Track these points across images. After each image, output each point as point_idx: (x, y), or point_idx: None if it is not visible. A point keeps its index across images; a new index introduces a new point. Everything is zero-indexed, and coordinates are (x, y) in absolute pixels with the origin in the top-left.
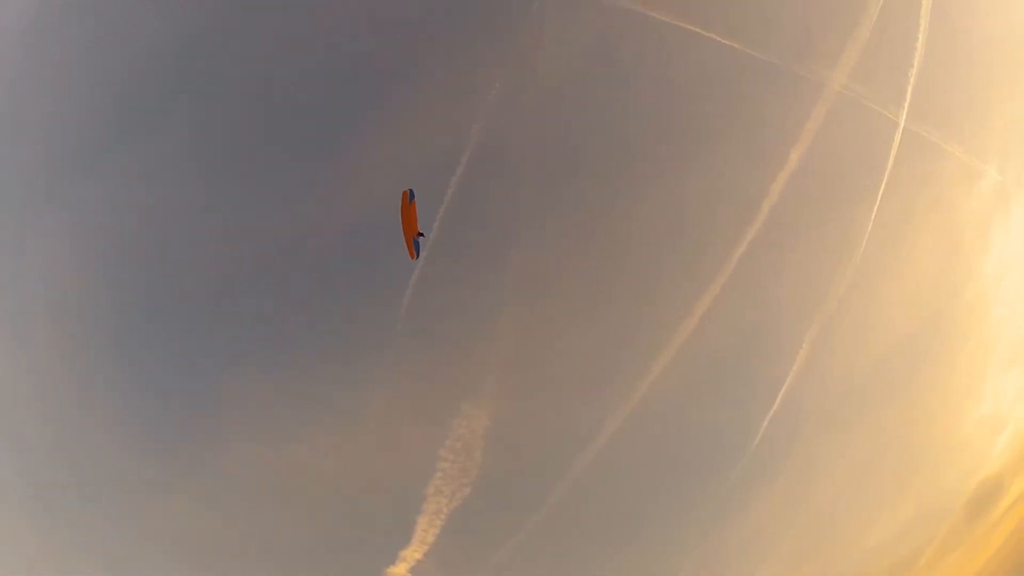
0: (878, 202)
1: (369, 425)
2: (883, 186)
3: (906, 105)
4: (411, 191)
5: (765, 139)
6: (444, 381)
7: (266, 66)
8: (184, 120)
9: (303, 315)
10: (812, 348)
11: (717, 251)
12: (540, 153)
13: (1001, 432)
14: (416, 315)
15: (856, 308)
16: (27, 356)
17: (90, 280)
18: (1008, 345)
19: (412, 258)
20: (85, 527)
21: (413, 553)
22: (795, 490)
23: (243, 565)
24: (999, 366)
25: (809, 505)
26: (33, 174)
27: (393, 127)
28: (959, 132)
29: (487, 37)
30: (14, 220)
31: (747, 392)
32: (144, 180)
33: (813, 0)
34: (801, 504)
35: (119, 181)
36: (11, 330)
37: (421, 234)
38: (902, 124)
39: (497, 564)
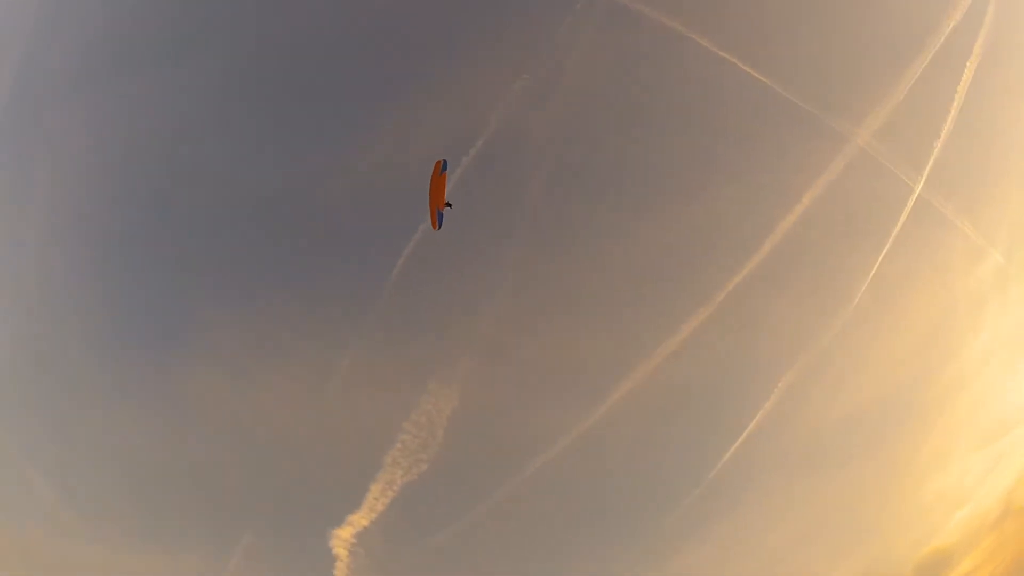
0: (879, 262)
1: (336, 384)
2: (887, 247)
3: (925, 173)
4: (444, 162)
5: (780, 178)
6: (419, 355)
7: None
8: (215, 52)
9: (293, 262)
10: (787, 391)
11: (711, 279)
12: (552, 152)
13: (960, 509)
14: (403, 286)
15: (838, 361)
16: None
17: (83, 193)
18: (982, 425)
19: (434, 228)
20: (34, 429)
21: (360, 519)
22: (745, 530)
23: (185, 497)
24: (970, 444)
25: (758, 548)
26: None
27: (417, 100)
28: (972, 210)
29: (523, 29)
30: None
31: (714, 421)
32: (156, 103)
33: (855, 54)
34: (750, 545)
35: (130, 99)
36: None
37: (449, 205)
38: (917, 191)
39: (439, 545)
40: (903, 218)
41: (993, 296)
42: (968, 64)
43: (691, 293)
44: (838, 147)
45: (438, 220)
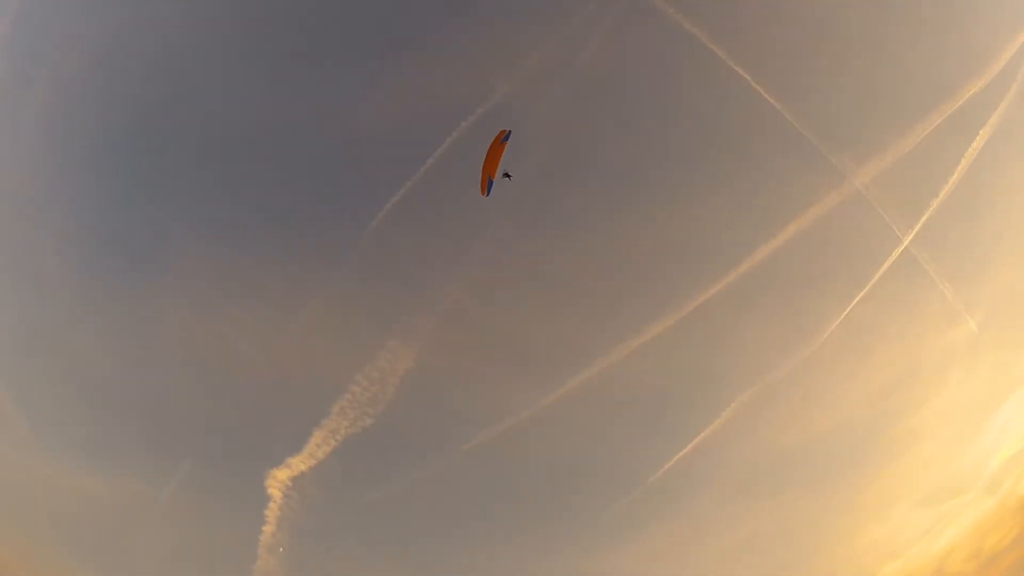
0: (853, 303)
1: (297, 326)
2: (865, 291)
3: (916, 228)
4: (509, 132)
5: (771, 201)
6: (383, 311)
7: None
8: None
9: (274, 201)
10: (738, 412)
11: (683, 286)
12: (550, 132)
13: (891, 562)
14: (380, 240)
15: (795, 392)
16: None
17: (72, 114)
18: (928, 485)
19: (483, 194)
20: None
21: (300, 463)
22: (673, 540)
23: (133, 419)
24: (912, 500)
25: (682, 560)
26: None
27: (427, 55)
28: (956, 275)
29: (548, 4)
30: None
31: (663, 428)
32: (150, 24)
33: (872, 95)
34: (674, 555)
35: (124, 19)
36: None
37: (508, 175)
38: (905, 243)
39: (370, 503)
40: (886, 266)
41: (960, 362)
42: (982, 132)
43: (661, 297)
44: (835, 183)
45: (487, 187)
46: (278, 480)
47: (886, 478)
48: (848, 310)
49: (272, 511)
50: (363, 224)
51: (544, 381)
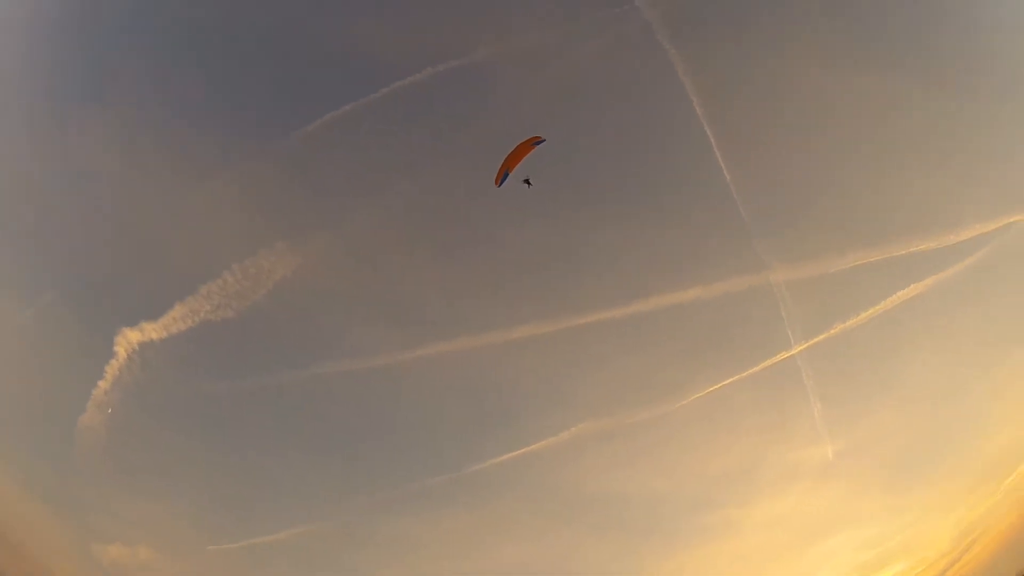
0: (724, 383)
1: (199, 196)
2: (739, 377)
3: (809, 343)
4: (543, 140)
5: (682, 259)
6: (283, 212)
7: None
8: None
9: (225, 73)
10: (578, 437)
11: (576, 301)
12: (508, 111)
13: None
14: (307, 148)
15: (638, 441)
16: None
17: None
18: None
19: (496, 184)
20: None
21: (152, 331)
22: (464, 533)
23: (17, 238)
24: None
25: (464, 555)
26: None
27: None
28: (831, 400)
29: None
30: None
31: (503, 425)
32: None
33: (820, 208)
34: (461, 548)
35: None
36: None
37: (528, 182)
38: (793, 351)
39: (206, 393)
40: (767, 363)
41: (804, 481)
42: (912, 287)
43: (551, 304)
44: (752, 270)
45: (502, 178)
46: (128, 340)
47: (683, 558)
48: (717, 387)
49: (112, 368)
50: (299, 125)
51: (410, 338)
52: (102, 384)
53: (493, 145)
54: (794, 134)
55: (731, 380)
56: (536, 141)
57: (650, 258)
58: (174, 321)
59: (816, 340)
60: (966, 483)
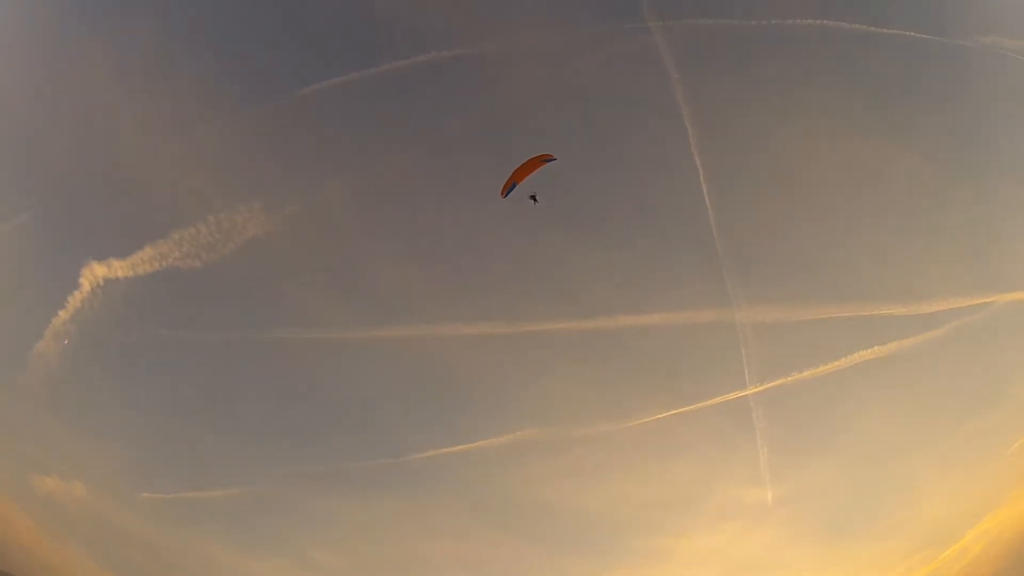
0: (673, 412)
1: (188, 142)
2: (689, 408)
3: (764, 387)
4: (554, 159)
5: (653, 283)
6: (266, 173)
7: None
8: None
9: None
10: (519, 443)
11: (534, 309)
12: (499, 105)
13: None
14: (301, 110)
15: (577, 454)
16: None
17: None
18: None
19: (501, 195)
20: None
21: (119, 268)
22: (392, 519)
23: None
24: None
25: (389, 539)
26: None
27: None
28: (778, 445)
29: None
30: None
31: (451, 418)
32: None
33: (799, 256)
34: (388, 533)
35: None
36: None
37: (534, 198)
38: (747, 392)
39: (162, 341)
40: (719, 400)
41: (739, 521)
42: (875, 349)
43: (500, 304)
44: (717, 305)
45: (508, 190)
46: (94, 273)
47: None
48: (667, 414)
49: (74, 300)
50: (296, 87)
51: (367, 318)
52: (62, 314)
53: (478, 139)
54: (782, 180)
55: (682, 410)
56: (546, 159)
57: (619, 276)
58: (142, 262)
59: (771, 384)
60: (901, 548)
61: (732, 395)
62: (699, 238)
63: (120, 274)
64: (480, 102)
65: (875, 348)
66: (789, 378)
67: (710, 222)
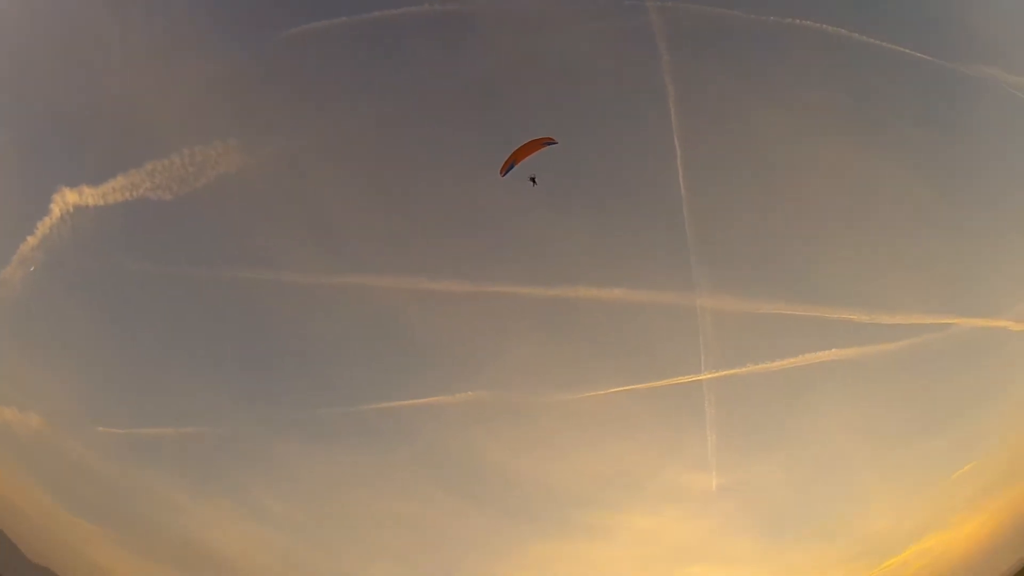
0: (626, 387)
1: (169, 72)
2: (643, 386)
3: (718, 374)
4: (555, 142)
5: (616, 259)
6: (246, 109)
7: None
8: None
9: None
10: (472, 403)
11: (498, 273)
12: (486, 74)
13: None
14: (286, 52)
15: (528, 421)
16: None
17: None
18: None
19: (500, 174)
20: None
21: (90, 195)
22: (347, 472)
23: None
24: None
25: (346, 497)
26: None
27: None
28: (726, 433)
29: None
30: None
31: (411, 374)
32: None
33: (767, 247)
34: (345, 488)
35: None
36: None
37: (534, 180)
38: (701, 377)
39: (127, 273)
40: (673, 381)
41: (687, 503)
42: (834, 351)
43: (465, 262)
44: (680, 288)
45: (507, 169)
46: (65, 200)
47: (551, 549)
48: (621, 389)
49: (44, 226)
50: (284, 27)
51: (332, 264)
52: (31, 240)
53: (459, 98)
54: (761, 175)
55: (635, 387)
56: (548, 142)
57: (586, 248)
58: (113, 191)
59: (726, 373)
60: (839, 553)
61: (686, 378)
62: (670, 220)
63: (91, 202)
64: (467, 61)
65: (833, 351)
66: (744, 369)
67: (682, 205)
